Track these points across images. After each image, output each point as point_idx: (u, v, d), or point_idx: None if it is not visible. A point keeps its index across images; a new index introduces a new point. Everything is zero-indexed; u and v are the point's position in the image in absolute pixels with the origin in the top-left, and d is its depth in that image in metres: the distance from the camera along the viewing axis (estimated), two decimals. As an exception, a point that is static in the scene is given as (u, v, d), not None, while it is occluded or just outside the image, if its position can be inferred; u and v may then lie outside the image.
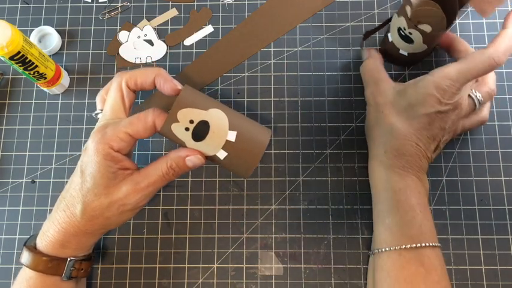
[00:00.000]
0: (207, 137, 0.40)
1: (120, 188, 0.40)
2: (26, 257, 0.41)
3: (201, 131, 0.40)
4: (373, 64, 0.50)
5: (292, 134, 0.52)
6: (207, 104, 0.40)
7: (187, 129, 0.40)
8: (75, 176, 0.41)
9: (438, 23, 0.46)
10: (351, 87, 0.53)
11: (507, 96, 0.52)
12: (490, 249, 0.48)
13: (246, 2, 0.56)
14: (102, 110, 0.44)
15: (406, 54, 0.49)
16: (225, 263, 0.49)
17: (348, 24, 0.55)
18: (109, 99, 0.43)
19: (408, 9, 0.44)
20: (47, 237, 0.41)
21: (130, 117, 0.41)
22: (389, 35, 0.49)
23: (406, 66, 0.53)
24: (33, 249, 0.42)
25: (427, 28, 0.44)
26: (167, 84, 0.43)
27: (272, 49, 0.55)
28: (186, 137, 0.40)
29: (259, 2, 0.56)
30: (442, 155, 0.50)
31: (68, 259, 0.42)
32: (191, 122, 0.39)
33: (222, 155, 0.41)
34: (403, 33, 0.46)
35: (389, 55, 0.52)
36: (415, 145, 0.44)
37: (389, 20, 0.50)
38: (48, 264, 0.41)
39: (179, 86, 0.43)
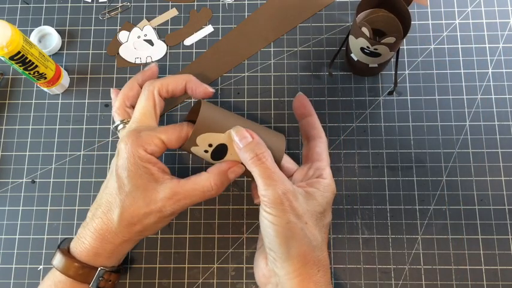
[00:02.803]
0: (225, 158, 0.41)
1: (158, 194, 0.40)
2: (58, 260, 0.41)
3: (219, 152, 0.40)
4: (268, 159, 0.39)
5: (292, 134, 0.52)
6: (224, 124, 0.40)
7: (206, 151, 0.40)
8: (110, 182, 0.41)
9: (392, 26, 0.49)
10: (351, 87, 0.53)
11: (507, 96, 0.52)
12: (490, 249, 0.48)
13: (246, 2, 0.56)
14: (122, 121, 0.45)
15: (376, 65, 0.50)
16: (225, 263, 0.49)
17: (348, 24, 0.55)
18: (139, 107, 0.43)
19: (365, 30, 0.45)
20: (83, 243, 0.41)
21: (166, 126, 0.42)
22: (352, 55, 0.50)
23: (379, 73, 0.53)
24: (66, 253, 0.41)
25: (390, 40, 0.45)
26: (199, 89, 0.45)
27: (272, 49, 0.55)
28: (205, 157, 0.41)
29: (259, 2, 0.56)
30: (442, 154, 0.51)
31: (99, 268, 0.41)
32: (210, 145, 0.40)
33: None
34: (368, 51, 0.47)
35: (359, 71, 0.52)
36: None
37: (345, 39, 0.51)
38: (80, 271, 0.40)
39: (210, 89, 0.45)
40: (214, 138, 0.40)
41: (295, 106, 0.47)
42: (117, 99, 0.46)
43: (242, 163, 0.41)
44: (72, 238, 0.43)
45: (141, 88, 0.46)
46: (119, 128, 0.45)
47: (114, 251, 0.41)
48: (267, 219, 0.37)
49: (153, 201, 0.39)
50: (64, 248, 0.42)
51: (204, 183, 0.41)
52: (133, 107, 0.45)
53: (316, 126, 0.45)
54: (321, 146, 0.44)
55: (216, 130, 0.39)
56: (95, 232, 0.40)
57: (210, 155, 0.41)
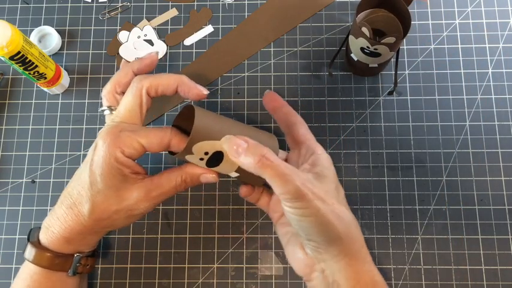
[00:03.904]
0: (220, 164, 0.40)
1: (131, 193, 0.40)
2: (30, 252, 0.41)
3: (215, 159, 0.40)
4: (273, 157, 0.38)
5: (292, 134, 0.52)
6: (220, 131, 0.39)
7: (201, 159, 0.40)
8: (83, 174, 0.40)
9: (392, 26, 0.49)
10: (351, 87, 0.53)
11: (507, 96, 0.52)
12: (490, 249, 0.48)
13: (246, 2, 0.56)
14: (109, 108, 0.43)
15: (376, 65, 0.50)
16: (225, 263, 0.49)
17: (348, 24, 0.55)
18: (125, 102, 0.42)
19: (365, 30, 0.45)
20: (52, 233, 0.41)
21: (148, 129, 0.41)
22: (352, 55, 0.50)
23: (379, 73, 0.53)
24: (38, 244, 0.41)
25: (390, 40, 0.45)
26: (192, 91, 0.43)
27: (272, 49, 0.55)
28: (201, 165, 0.41)
29: (259, 2, 0.56)
30: (442, 154, 0.50)
31: (75, 255, 0.42)
32: (206, 153, 0.39)
33: (233, 175, 0.42)
34: (368, 51, 0.47)
35: (360, 71, 0.52)
36: None
37: (345, 39, 0.51)
38: (55, 261, 0.41)
39: (205, 92, 0.43)
40: (210, 145, 0.39)
41: (266, 101, 0.48)
42: (108, 83, 0.44)
43: (216, 171, 0.42)
44: (39, 228, 0.42)
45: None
46: (105, 113, 0.44)
47: (83, 240, 0.42)
48: (296, 215, 0.37)
49: (125, 199, 0.40)
50: (34, 240, 0.42)
51: (177, 178, 0.41)
52: (124, 93, 0.44)
53: (293, 113, 0.47)
54: (303, 128, 0.45)
55: (212, 138, 0.39)
56: (64, 222, 0.40)
57: (206, 162, 0.40)
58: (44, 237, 0.41)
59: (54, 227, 0.41)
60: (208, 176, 0.42)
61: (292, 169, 0.38)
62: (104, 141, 0.39)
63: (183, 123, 0.43)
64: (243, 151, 0.37)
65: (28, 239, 0.42)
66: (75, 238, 0.41)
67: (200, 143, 0.38)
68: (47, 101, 0.54)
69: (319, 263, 0.38)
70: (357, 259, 0.38)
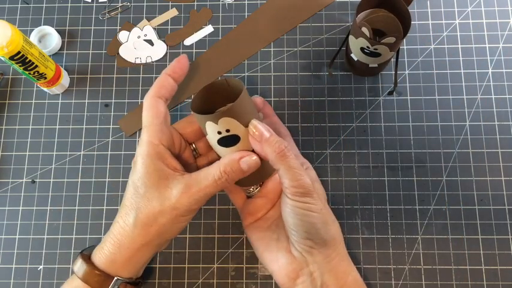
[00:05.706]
0: (229, 148, 0.40)
1: (171, 190, 0.39)
2: (78, 266, 0.40)
3: (230, 140, 0.40)
4: (291, 152, 0.39)
5: (292, 134, 0.52)
6: (249, 118, 0.39)
7: (219, 132, 0.39)
8: (128, 187, 0.41)
9: (392, 26, 0.49)
10: (351, 87, 0.53)
11: (507, 96, 0.52)
12: (490, 249, 0.48)
13: (246, 2, 0.56)
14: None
15: (376, 65, 0.50)
16: (225, 263, 0.49)
17: (348, 24, 0.55)
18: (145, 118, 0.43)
19: (365, 30, 0.45)
20: (102, 249, 0.40)
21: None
22: (352, 55, 0.50)
23: (379, 73, 0.53)
24: (87, 259, 0.40)
25: (390, 40, 0.45)
26: (174, 65, 0.44)
27: (272, 49, 0.55)
28: (212, 136, 0.40)
29: (259, 2, 0.56)
30: (442, 154, 0.51)
31: (115, 278, 0.40)
32: (227, 131, 0.39)
33: None
34: (368, 51, 0.47)
35: (360, 71, 0.52)
36: None
37: (345, 39, 0.51)
38: (96, 278, 0.39)
39: (183, 57, 0.45)
40: (235, 126, 0.39)
41: (259, 107, 0.47)
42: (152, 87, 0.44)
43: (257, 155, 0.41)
44: (94, 246, 0.42)
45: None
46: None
47: (131, 257, 0.40)
48: (305, 209, 0.38)
49: (166, 198, 0.39)
50: (86, 253, 0.41)
51: (215, 171, 0.39)
52: (165, 99, 0.44)
53: (281, 124, 0.48)
54: (293, 143, 0.48)
55: (242, 121, 0.39)
56: (114, 237, 0.40)
57: (220, 138, 0.39)
58: (95, 253, 0.41)
59: (105, 244, 0.40)
60: (248, 159, 0.39)
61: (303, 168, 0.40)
62: (138, 148, 0.41)
63: (213, 93, 0.43)
64: (263, 139, 0.38)
65: (81, 251, 0.42)
66: (122, 255, 0.40)
67: (230, 119, 0.38)
68: (47, 101, 0.54)
69: (308, 265, 0.38)
70: (343, 259, 0.40)
